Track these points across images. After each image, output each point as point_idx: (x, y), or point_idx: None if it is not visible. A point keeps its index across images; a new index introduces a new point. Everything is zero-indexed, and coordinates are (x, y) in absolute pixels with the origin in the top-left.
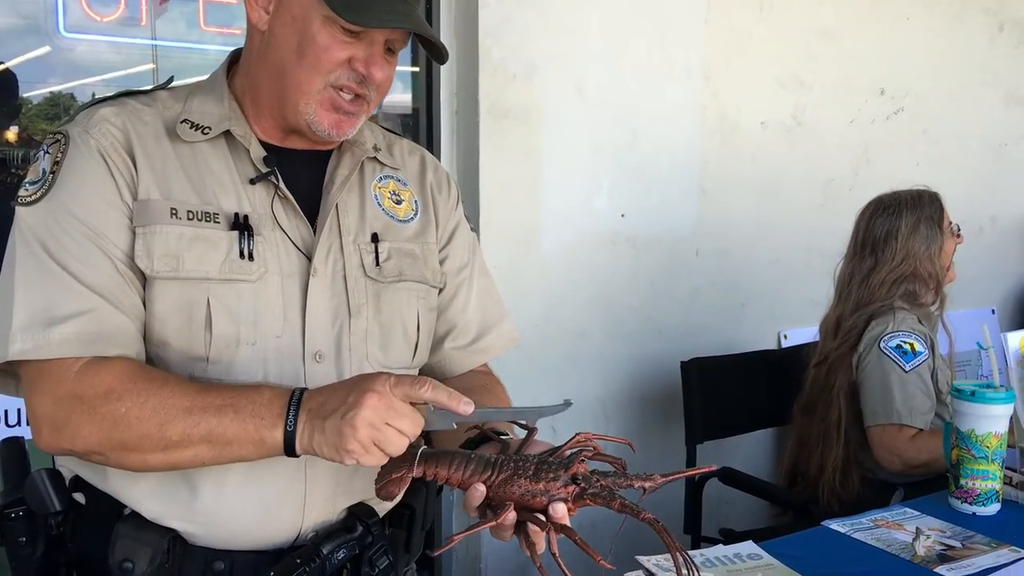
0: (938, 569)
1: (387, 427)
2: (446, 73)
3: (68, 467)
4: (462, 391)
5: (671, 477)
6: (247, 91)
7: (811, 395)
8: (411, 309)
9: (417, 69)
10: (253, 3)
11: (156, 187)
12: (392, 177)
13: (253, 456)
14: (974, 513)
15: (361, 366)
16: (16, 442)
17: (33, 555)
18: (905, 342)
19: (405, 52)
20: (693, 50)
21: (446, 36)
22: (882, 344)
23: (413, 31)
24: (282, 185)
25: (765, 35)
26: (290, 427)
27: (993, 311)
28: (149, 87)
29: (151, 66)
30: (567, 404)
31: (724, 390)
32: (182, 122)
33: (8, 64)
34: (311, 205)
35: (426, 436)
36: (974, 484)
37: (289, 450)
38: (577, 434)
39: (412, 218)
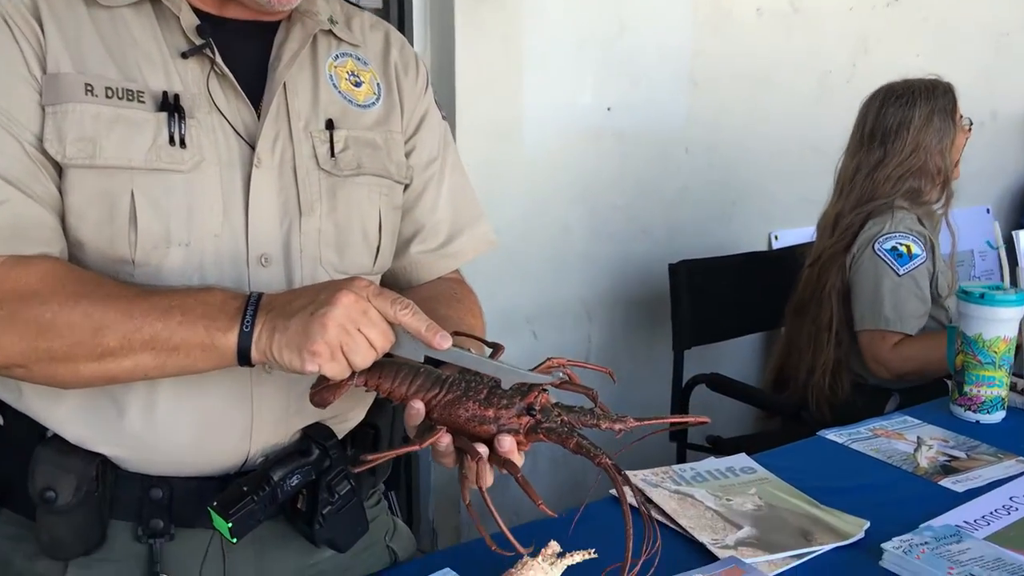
0: (942, 482)
1: (358, 333)
2: None
3: None
4: (427, 300)
5: (647, 422)
6: None
7: (803, 296)
8: (372, 207)
9: None
10: None
11: (68, 58)
12: (350, 55)
13: (202, 365)
14: (977, 422)
15: (314, 272)
16: None
17: None
18: (901, 244)
19: None
20: None
21: None
22: (876, 246)
23: None
24: (219, 60)
25: None
26: (246, 328)
27: (988, 210)
28: None
29: None
30: (558, 378)
31: (713, 293)
32: None
33: None
34: (254, 85)
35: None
36: (979, 391)
37: (243, 357)
38: (549, 359)
39: (373, 103)
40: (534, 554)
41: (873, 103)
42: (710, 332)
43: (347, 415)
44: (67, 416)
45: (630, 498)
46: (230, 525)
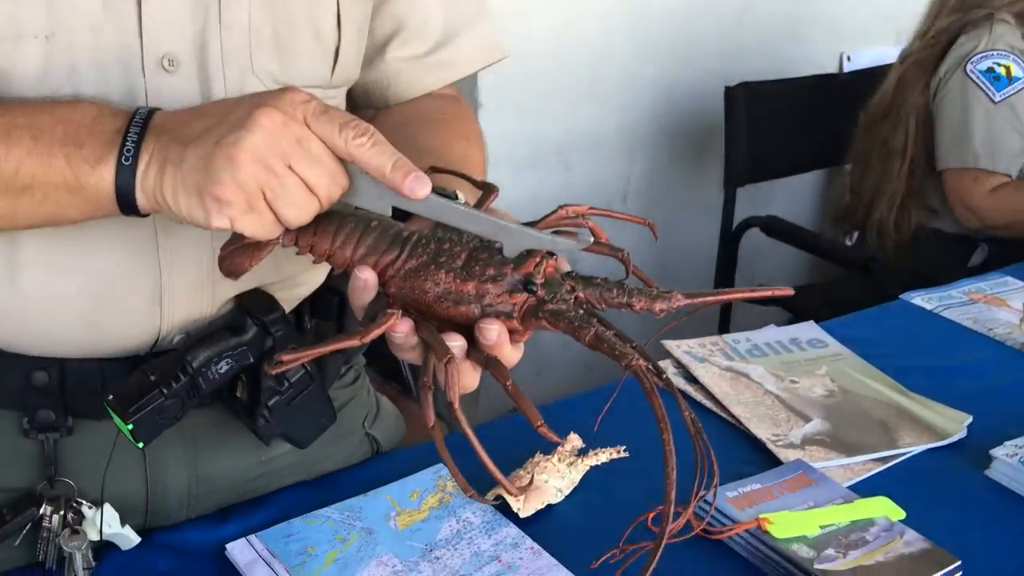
0: None
1: (288, 172)
2: None
3: None
4: (401, 126)
5: (704, 299)
6: None
7: (877, 109)
8: None
9: None
10: None
11: None
12: None
13: (71, 213)
14: None
15: (243, 83)
16: None
17: None
18: (999, 64)
19: None
20: None
21: None
22: (969, 67)
23: None
24: None
25: None
26: (127, 159)
27: None
28: None
29: None
30: (585, 242)
31: (773, 122)
32: None
33: None
34: None
35: None
36: None
37: (126, 202)
38: (562, 206)
39: None
40: (549, 450)
41: None
42: (767, 168)
43: (298, 278)
44: None
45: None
46: (131, 426)
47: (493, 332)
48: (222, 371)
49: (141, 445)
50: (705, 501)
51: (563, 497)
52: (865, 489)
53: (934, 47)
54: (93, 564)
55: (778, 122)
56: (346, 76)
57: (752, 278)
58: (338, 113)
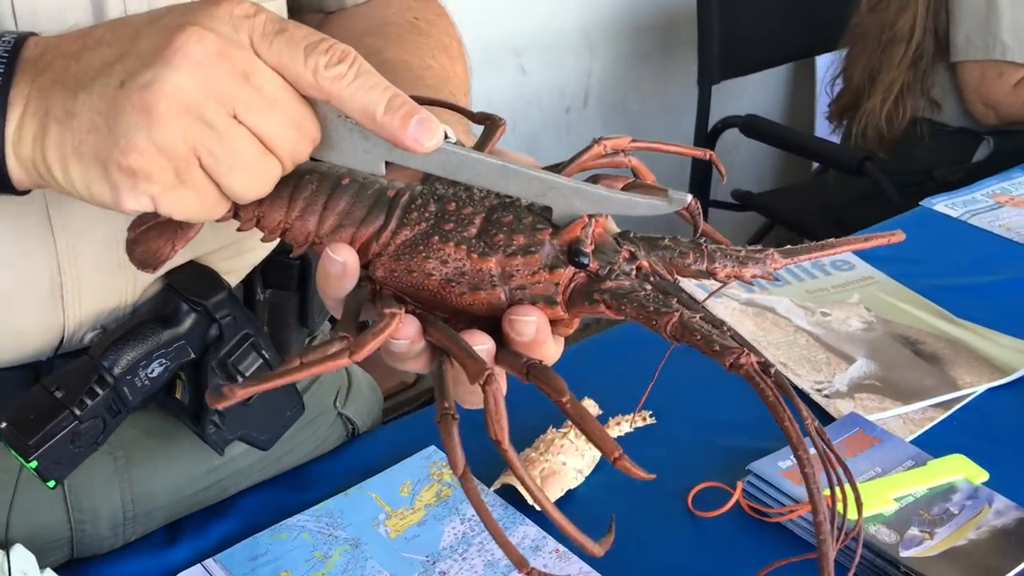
0: None
1: (232, 125)
2: None
3: None
4: (361, 37)
5: (806, 255)
6: None
7: None
8: None
9: None
10: None
11: None
12: None
13: None
14: None
15: None
16: None
17: None
18: None
19: None
20: None
21: None
22: None
23: None
24: None
25: None
26: None
27: None
28: None
29: None
30: (680, 201)
31: (752, 8)
32: None
33: None
34: None
35: None
36: None
37: None
38: (596, 141)
39: None
40: (562, 423)
41: None
42: (744, 61)
43: (246, 242)
44: None
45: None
46: (34, 464)
47: (530, 325)
48: (153, 375)
49: (52, 484)
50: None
51: (583, 479)
52: (931, 444)
53: None
54: None
55: (757, 7)
56: None
57: (728, 184)
58: (300, 30)
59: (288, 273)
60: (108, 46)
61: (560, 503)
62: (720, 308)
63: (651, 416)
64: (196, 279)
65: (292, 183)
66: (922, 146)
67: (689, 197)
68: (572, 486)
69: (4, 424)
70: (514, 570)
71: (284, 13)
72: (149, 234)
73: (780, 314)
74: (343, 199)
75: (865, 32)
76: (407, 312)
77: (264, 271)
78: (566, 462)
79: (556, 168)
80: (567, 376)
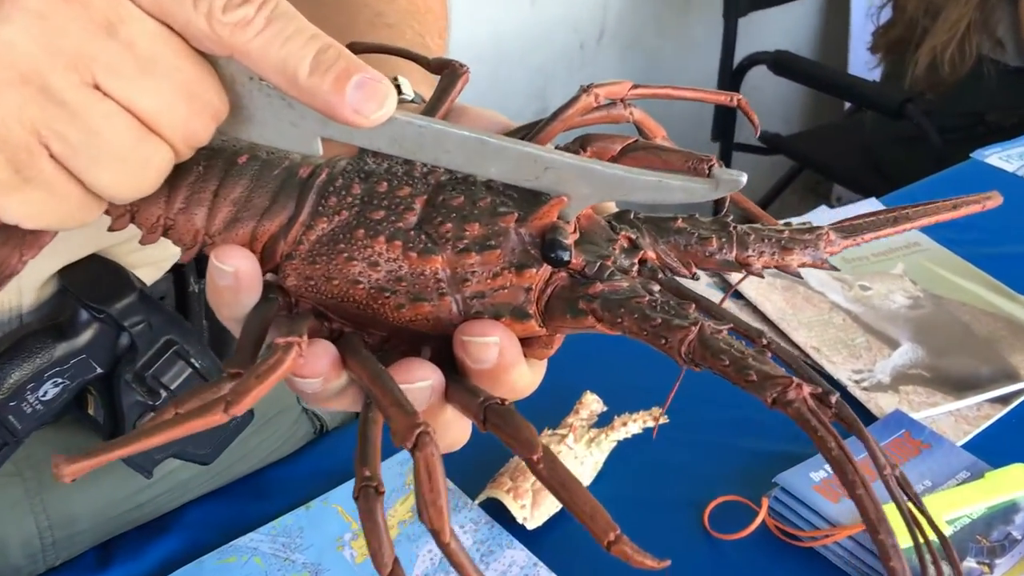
0: None
1: (93, 97)
2: None
3: None
4: None
5: (873, 234)
6: None
7: None
8: None
9: None
10: None
11: None
12: None
13: None
14: None
15: None
16: None
17: None
18: None
19: None
20: None
21: None
22: None
23: None
24: None
25: None
26: None
27: None
28: None
29: None
30: (732, 184)
31: None
32: None
33: None
34: None
35: None
36: None
37: None
38: (584, 89)
39: None
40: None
41: None
42: None
43: None
44: None
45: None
46: None
47: (489, 349)
48: (47, 398)
49: None
50: None
51: None
52: (989, 448)
53: None
54: None
55: None
56: None
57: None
58: None
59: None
60: None
61: (556, 519)
62: (745, 281)
63: (663, 414)
64: (98, 279)
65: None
66: (976, 88)
67: (743, 177)
68: None
69: None
70: None
71: None
72: None
73: (813, 288)
74: (239, 183)
75: None
76: (326, 336)
77: (199, 257)
78: None
79: (534, 129)
80: (564, 364)
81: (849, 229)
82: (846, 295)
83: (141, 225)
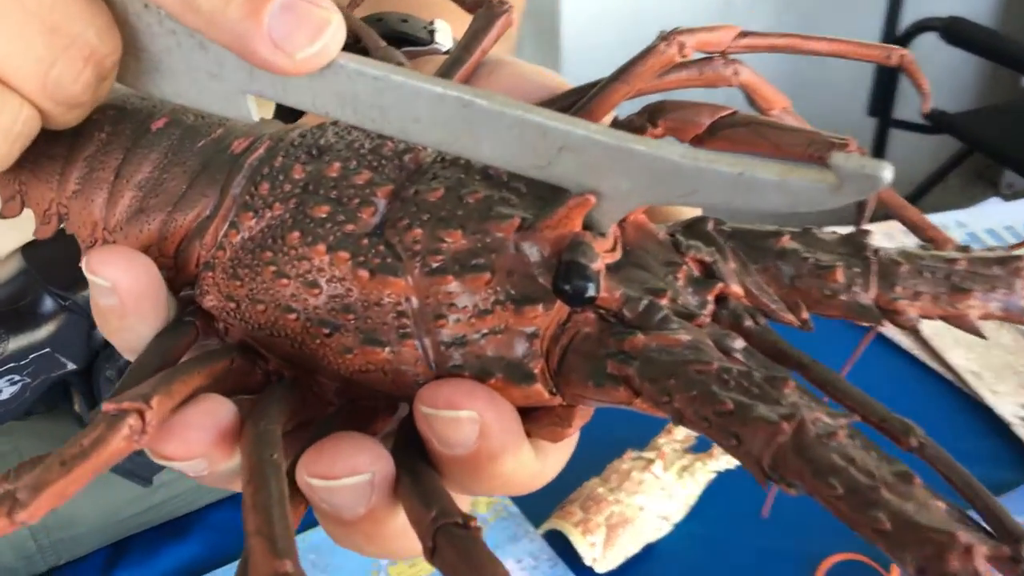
0: None
1: None
2: None
3: None
4: None
5: None
6: None
7: None
8: None
9: None
10: None
11: None
12: None
13: None
14: None
15: None
16: None
17: None
18: None
19: None
20: None
21: None
22: None
23: None
24: None
25: None
26: None
27: None
28: None
29: None
30: (872, 181)
31: None
32: None
33: None
34: None
35: None
36: None
37: None
38: (664, 37)
39: None
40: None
41: None
42: None
43: None
44: None
45: None
46: None
47: (462, 427)
48: (3, 398)
49: None
50: None
51: (671, 528)
52: None
53: None
54: None
55: None
56: None
57: (918, 104)
58: None
59: None
60: None
61: (632, 563)
62: None
63: None
64: (68, 259)
65: (70, 133)
66: None
67: (885, 173)
68: (654, 539)
69: None
70: None
71: None
72: None
73: None
74: (148, 159)
75: None
76: (256, 383)
77: None
78: (646, 506)
79: (586, 95)
80: None
81: None
82: None
83: (35, 212)
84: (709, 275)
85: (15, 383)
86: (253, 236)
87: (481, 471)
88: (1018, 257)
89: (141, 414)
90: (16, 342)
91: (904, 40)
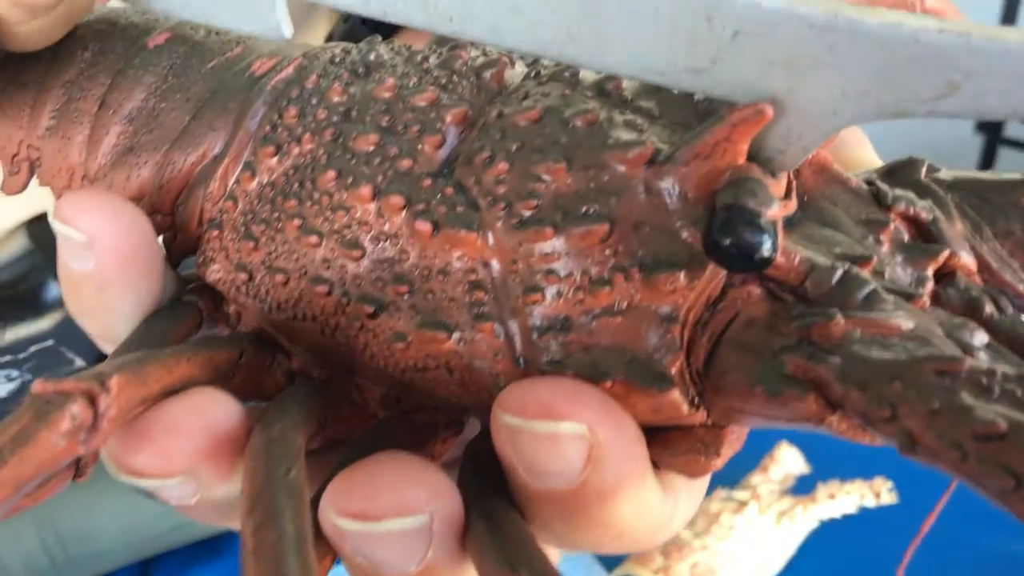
0: None
1: None
2: None
3: None
4: None
5: None
6: None
7: None
8: None
9: None
10: None
11: None
12: None
13: None
14: None
15: None
16: None
17: None
18: None
19: None
20: None
21: None
22: None
23: None
24: None
25: None
26: None
27: None
28: None
29: None
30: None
31: None
32: None
33: None
34: None
35: None
36: None
37: None
38: None
39: None
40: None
41: None
42: None
43: None
44: None
45: None
46: None
47: (564, 446)
48: None
49: None
50: None
51: None
52: None
53: None
54: None
55: None
56: None
57: None
58: None
59: None
60: None
61: None
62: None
63: (890, 490)
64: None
65: (48, 54)
66: None
67: None
68: None
69: None
70: None
71: None
72: None
73: None
74: (142, 82)
75: None
76: (274, 384)
77: None
78: (737, 555)
79: None
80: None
81: None
82: None
83: (0, 158)
84: (927, 239)
85: (12, 379)
86: (274, 180)
87: (586, 515)
88: None
89: (92, 399)
90: (14, 332)
91: None
